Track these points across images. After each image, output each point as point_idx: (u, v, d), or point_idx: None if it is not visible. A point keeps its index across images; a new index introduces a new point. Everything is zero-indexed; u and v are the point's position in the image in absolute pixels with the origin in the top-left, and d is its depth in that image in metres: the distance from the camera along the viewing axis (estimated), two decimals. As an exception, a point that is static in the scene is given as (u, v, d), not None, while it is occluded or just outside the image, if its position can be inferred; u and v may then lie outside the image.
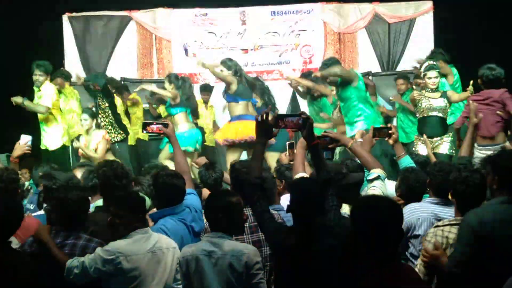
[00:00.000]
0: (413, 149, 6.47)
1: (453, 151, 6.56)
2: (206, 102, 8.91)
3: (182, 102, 7.36)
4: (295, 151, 4.34)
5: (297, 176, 3.70)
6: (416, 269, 2.96)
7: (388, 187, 3.75)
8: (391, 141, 4.12)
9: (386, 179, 3.71)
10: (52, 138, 7.09)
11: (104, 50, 9.93)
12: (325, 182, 2.95)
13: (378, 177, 3.60)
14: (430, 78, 6.50)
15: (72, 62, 9.73)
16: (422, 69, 6.75)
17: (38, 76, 6.96)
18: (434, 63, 6.67)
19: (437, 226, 3.12)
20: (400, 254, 3.34)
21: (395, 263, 2.36)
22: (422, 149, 6.44)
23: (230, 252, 2.97)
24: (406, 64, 9.45)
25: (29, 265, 3.00)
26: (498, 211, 2.84)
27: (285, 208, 3.30)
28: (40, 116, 7.05)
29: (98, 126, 7.24)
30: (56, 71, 7.84)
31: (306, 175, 3.75)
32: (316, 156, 3.11)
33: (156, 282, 3.10)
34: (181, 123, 7.27)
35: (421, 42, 9.69)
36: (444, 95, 6.52)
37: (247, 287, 2.99)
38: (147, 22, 9.99)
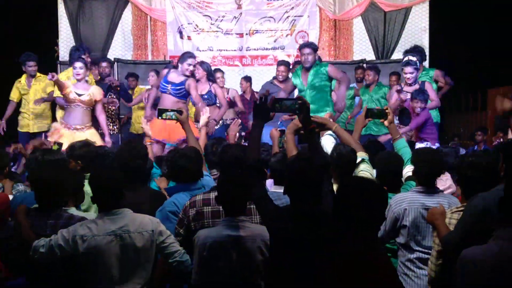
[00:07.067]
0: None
1: None
2: None
3: None
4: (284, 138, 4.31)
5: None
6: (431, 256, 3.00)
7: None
8: (386, 123, 4.02)
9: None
10: None
11: (99, 31, 9.85)
12: (321, 166, 2.96)
13: (362, 160, 3.61)
14: (406, 73, 6.59)
15: (66, 43, 9.65)
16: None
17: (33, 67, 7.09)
18: (412, 58, 6.66)
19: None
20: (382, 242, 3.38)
21: (375, 252, 2.30)
22: None
23: (259, 236, 2.92)
24: (400, 53, 9.45)
25: None
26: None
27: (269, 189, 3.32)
28: None
29: None
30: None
31: None
32: (312, 141, 3.11)
33: (123, 266, 2.93)
34: None
35: (416, 31, 9.72)
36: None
37: None
38: (142, 3, 9.90)
